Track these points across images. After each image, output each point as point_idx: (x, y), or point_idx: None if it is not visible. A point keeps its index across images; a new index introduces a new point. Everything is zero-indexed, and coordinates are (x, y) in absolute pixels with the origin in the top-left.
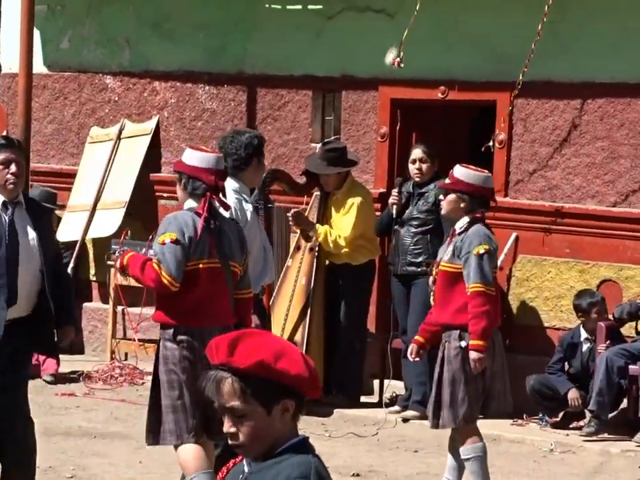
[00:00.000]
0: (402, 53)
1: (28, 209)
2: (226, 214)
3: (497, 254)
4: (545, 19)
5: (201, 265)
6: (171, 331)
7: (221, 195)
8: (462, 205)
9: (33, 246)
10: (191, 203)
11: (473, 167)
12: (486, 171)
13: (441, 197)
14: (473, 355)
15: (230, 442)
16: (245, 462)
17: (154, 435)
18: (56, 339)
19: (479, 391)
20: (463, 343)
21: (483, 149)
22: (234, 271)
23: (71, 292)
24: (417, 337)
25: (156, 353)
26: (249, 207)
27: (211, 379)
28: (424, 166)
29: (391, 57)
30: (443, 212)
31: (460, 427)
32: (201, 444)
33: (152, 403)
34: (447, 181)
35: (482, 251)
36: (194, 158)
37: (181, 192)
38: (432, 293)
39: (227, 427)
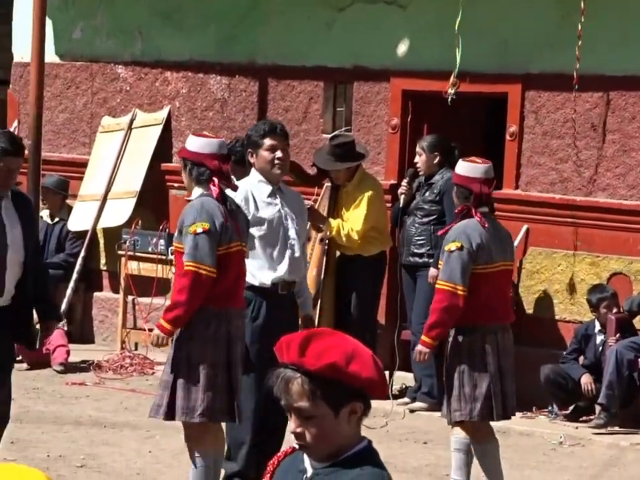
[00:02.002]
0: (456, 85)
1: (14, 200)
2: (233, 194)
3: (482, 251)
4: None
5: (232, 249)
6: (202, 311)
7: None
8: (456, 198)
9: (18, 237)
10: (198, 190)
11: (469, 159)
12: (479, 161)
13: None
14: (417, 347)
15: (296, 441)
16: (305, 461)
17: (167, 409)
18: (38, 331)
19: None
20: (460, 338)
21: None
22: (244, 251)
23: (49, 284)
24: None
25: (180, 331)
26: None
27: (280, 378)
28: (420, 159)
29: (403, 48)
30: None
31: (449, 423)
32: (210, 426)
33: (173, 381)
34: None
35: (453, 248)
36: (197, 144)
37: (187, 178)
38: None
39: (294, 426)
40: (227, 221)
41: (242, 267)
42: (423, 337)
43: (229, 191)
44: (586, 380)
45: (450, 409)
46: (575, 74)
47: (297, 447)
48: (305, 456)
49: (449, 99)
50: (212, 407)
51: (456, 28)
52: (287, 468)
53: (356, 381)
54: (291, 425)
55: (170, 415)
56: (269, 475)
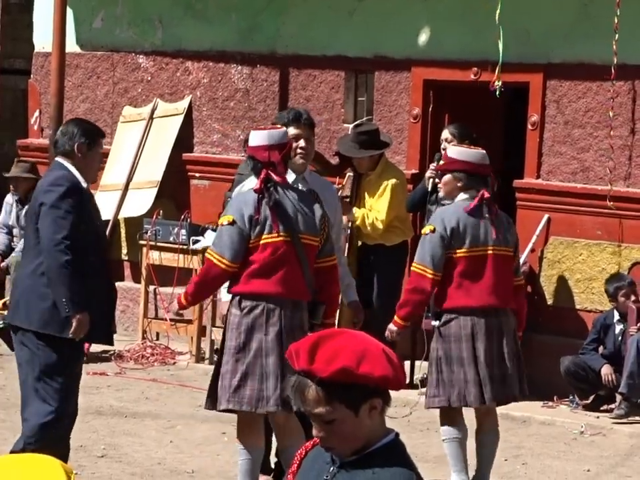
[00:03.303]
0: (499, 81)
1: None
2: (302, 187)
3: (458, 235)
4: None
5: (263, 241)
6: (237, 299)
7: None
8: (459, 185)
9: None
10: (252, 181)
11: (466, 145)
12: (479, 149)
13: (437, 180)
14: (389, 325)
15: (321, 445)
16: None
17: (211, 399)
18: None
19: (442, 374)
20: (435, 323)
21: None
22: (308, 244)
23: None
24: None
25: (224, 321)
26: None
27: (294, 387)
28: (449, 146)
29: (424, 37)
30: (441, 194)
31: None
32: (256, 415)
33: (215, 369)
34: (441, 162)
35: (427, 231)
36: (252, 139)
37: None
38: None
39: (317, 431)
40: (259, 214)
41: (286, 259)
42: (395, 317)
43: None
44: (606, 371)
45: (428, 394)
46: (612, 67)
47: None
48: None
49: (497, 92)
50: (237, 394)
51: (496, 19)
52: (315, 458)
53: (369, 381)
54: (314, 430)
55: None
56: (296, 465)
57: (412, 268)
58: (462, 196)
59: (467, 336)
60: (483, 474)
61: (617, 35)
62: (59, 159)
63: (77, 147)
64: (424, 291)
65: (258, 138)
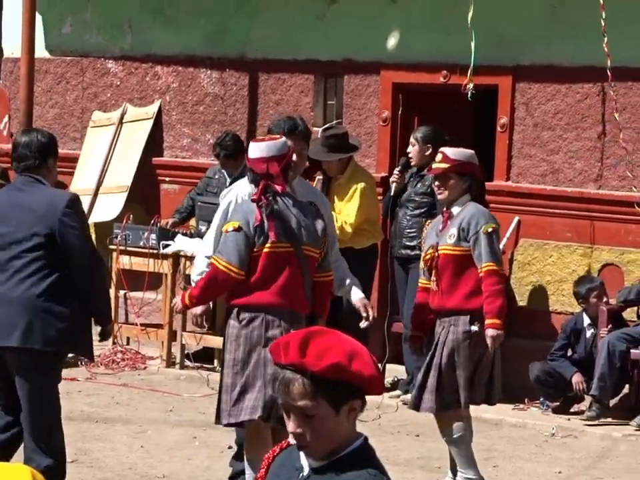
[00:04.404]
0: (471, 83)
1: None
2: (295, 201)
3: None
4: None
5: (265, 250)
6: (235, 311)
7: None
8: (464, 186)
9: None
10: (242, 187)
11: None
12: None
13: (436, 182)
14: (490, 332)
15: (296, 443)
16: (301, 458)
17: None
18: None
19: (482, 377)
20: (474, 327)
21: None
22: (309, 255)
23: None
24: (415, 333)
25: (223, 334)
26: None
27: (280, 379)
28: (413, 149)
29: (393, 41)
30: (444, 197)
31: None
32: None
33: (220, 383)
34: (443, 165)
35: (490, 230)
36: (251, 151)
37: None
38: (433, 279)
39: (294, 427)
40: (258, 223)
41: (286, 269)
42: (494, 321)
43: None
44: (577, 379)
45: (470, 397)
46: (608, 70)
47: (293, 443)
48: (302, 453)
49: (469, 94)
50: (237, 406)
51: (468, 22)
52: (283, 463)
53: (358, 380)
54: (291, 425)
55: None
56: (264, 470)
57: (488, 268)
58: (467, 197)
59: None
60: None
61: (605, 38)
62: (33, 176)
63: (49, 162)
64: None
65: (256, 150)
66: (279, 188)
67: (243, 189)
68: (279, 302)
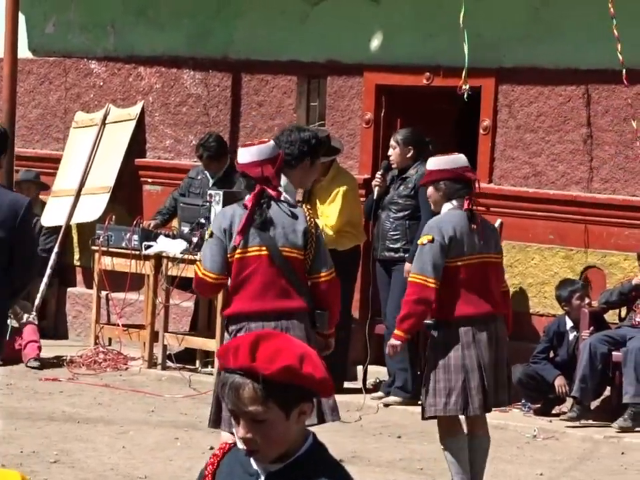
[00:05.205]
0: (467, 85)
1: None
2: (286, 205)
3: (455, 243)
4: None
5: (236, 256)
6: (225, 321)
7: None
8: (441, 194)
9: None
10: (246, 197)
11: (441, 154)
12: (455, 153)
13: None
14: (390, 341)
15: (245, 449)
16: (254, 463)
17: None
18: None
19: (439, 382)
20: (435, 332)
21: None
22: (289, 256)
23: None
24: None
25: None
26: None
27: (229, 384)
28: (394, 152)
29: (376, 42)
30: (433, 209)
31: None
32: None
33: (215, 389)
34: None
35: (425, 241)
36: (242, 156)
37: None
38: None
39: (243, 432)
40: (239, 228)
41: (263, 271)
42: (395, 331)
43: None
44: (560, 382)
45: (426, 403)
46: (623, 71)
47: (239, 447)
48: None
49: (465, 95)
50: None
51: (460, 23)
52: (230, 469)
53: (309, 382)
54: (240, 431)
55: None
56: (210, 477)
57: (411, 279)
58: (447, 205)
59: (468, 343)
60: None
61: (618, 41)
62: None
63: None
64: (427, 301)
65: (247, 155)
66: (274, 194)
67: None
68: (257, 306)
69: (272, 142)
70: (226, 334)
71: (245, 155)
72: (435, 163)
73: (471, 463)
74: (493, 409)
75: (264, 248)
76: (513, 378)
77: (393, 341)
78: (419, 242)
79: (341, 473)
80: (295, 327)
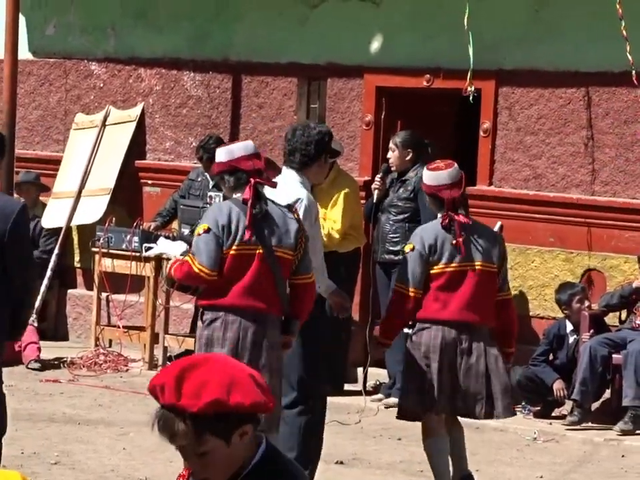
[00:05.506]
0: (472, 89)
1: None
2: (281, 201)
3: (436, 251)
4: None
5: (231, 252)
6: (201, 310)
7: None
8: (432, 206)
9: None
10: (234, 196)
11: (433, 166)
12: (442, 166)
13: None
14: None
15: (194, 479)
16: None
17: None
18: None
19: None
20: (409, 331)
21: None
22: (281, 257)
23: None
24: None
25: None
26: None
27: (161, 422)
28: (393, 155)
29: (376, 44)
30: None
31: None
32: None
33: None
34: None
35: (407, 250)
36: (229, 152)
37: (227, 190)
38: None
39: (187, 464)
40: (234, 224)
41: (254, 270)
42: (378, 336)
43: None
44: (558, 386)
45: (399, 402)
46: (633, 72)
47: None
48: None
49: (470, 97)
50: None
51: (465, 24)
52: None
53: (240, 410)
54: (185, 463)
55: None
56: None
57: (394, 287)
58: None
59: (435, 347)
60: (462, 468)
61: (627, 42)
62: None
63: None
64: (405, 309)
65: (235, 150)
66: (269, 184)
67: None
68: (241, 303)
69: (249, 141)
70: (199, 322)
71: (233, 151)
72: (425, 176)
73: (450, 454)
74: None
75: (259, 246)
76: (512, 380)
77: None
78: (404, 250)
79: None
80: (273, 328)
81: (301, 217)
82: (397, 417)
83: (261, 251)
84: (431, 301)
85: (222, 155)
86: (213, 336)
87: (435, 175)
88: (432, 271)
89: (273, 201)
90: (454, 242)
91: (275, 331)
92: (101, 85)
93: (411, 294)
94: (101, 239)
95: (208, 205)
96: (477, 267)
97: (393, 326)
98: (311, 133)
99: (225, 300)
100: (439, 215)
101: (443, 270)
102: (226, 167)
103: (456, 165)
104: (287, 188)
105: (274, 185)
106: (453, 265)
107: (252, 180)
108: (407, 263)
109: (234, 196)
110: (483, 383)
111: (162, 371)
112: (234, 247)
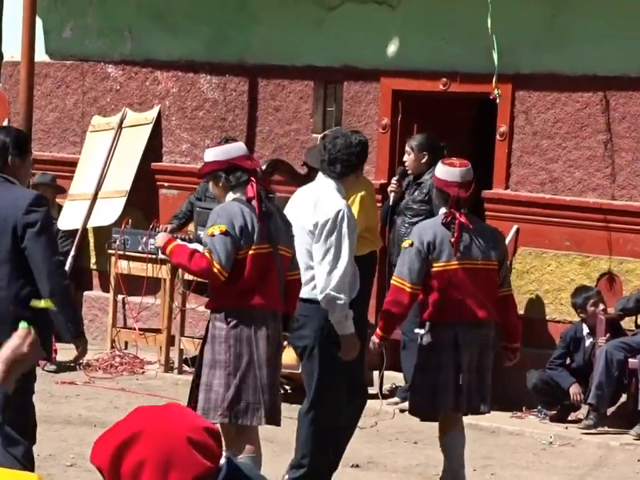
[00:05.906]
0: (499, 90)
1: None
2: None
3: (436, 249)
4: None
5: (251, 252)
6: (222, 313)
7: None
8: (436, 201)
9: None
10: (232, 195)
11: (448, 162)
12: (457, 163)
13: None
14: (372, 338)
15: None
16: None
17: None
18: None
19: (426, 382)
20: (421, 331)
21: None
22: (283, 255)
23: None
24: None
25: (204, 334)
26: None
27: None
28: (409, 158)
29: (393, 48)
30: None
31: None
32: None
33: (194, 381)
34: None
35: (406, 245)
36: (220, 153)
37: (220, 189)
38: None
39: None
40: (251, 225)
41: (268, 269)
42: (377, 330)
43: None
44: (575, 390)
45: (409, 400)
46: None
47: None
48: None
49: (497, 101)
50: (232, 408)
51: (489, 28)
52: None
53: None
54: None
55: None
56: None
57: (392, 281)
58: (442, 210)
59: (447, 344)
60: (457, 473)
61: None
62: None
63: (10, 160)
64: (401, 304)
65: (232, 150)
66: (267, 186)
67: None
68: (263, 303)
69: (240, 142)
70: (220, 323)
71: (231, 151)
72: (438, 170)
73: (448, 459)
74: (475, 413)
75: (270, 245)
76: (529, 383)
77: (373, 338)
78: (402, 245)
79: None
80: (280, 325)
81: (344, 228)
82: (410, 414)
83: (271, 249)
84: (439, 300)
85: (217, 154)
86: (242, 336)
87: (447, 170)
88: (433, 269)
89: (262, 200)
90: (452, 240)
91: (281, 327)
92: (118, 88)
93: (409, 289)
94: (117, 241)
95: None
96: (478, 265)
97: (392, 320)
98: (352, 143)
99: (251, 301)
100: (441, 211)
101: (445, 268)
102: (224, 165)
103: (470, 166)
104: (327, 198)
105: (273, 191)
106: (454, 262)
107: (253, 179)
108: (405, 257)
109: (232, 195)
110: (481, 379)
111: (98, 443)
112: (253, 247)
